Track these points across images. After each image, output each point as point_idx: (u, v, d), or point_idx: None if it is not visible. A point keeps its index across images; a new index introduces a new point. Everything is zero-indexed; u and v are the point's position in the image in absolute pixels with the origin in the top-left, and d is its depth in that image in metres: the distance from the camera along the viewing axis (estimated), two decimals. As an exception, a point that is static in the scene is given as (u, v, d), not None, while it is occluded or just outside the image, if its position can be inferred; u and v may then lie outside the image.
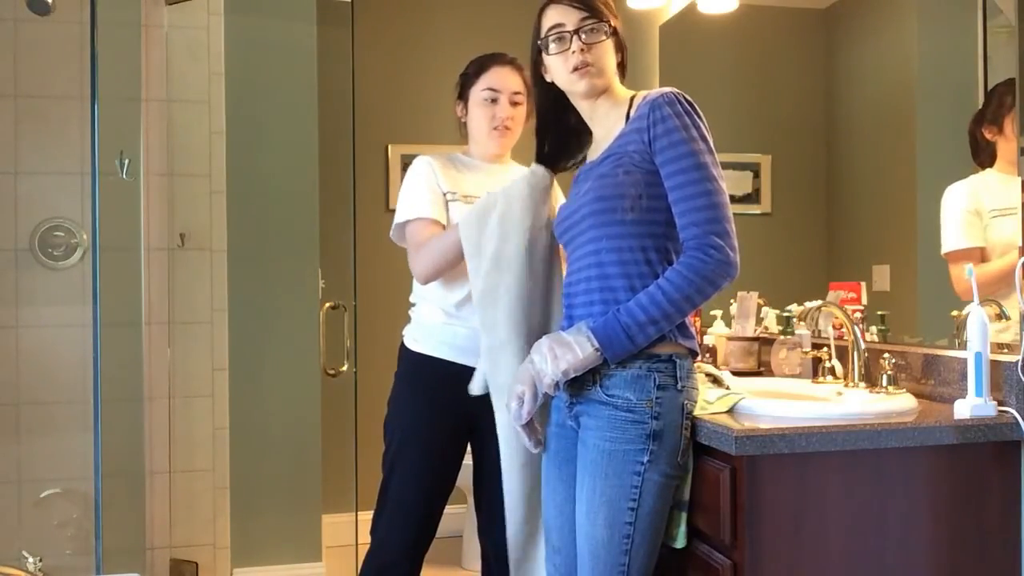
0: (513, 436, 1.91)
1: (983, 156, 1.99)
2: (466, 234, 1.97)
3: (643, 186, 1.64)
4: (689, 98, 1.67)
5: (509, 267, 1.92)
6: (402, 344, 2.23)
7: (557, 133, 1.90)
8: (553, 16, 1.73)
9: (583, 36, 1.70)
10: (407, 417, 2.17)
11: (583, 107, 1.80)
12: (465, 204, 2.13)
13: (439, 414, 2.13)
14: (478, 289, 1.94)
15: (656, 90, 1.69)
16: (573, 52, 1.70)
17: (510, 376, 1.84)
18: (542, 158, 1.94)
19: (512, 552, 2.01)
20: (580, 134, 1.88)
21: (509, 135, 2.19)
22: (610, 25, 1.72)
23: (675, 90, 1.68)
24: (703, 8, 2.99)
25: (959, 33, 2.14)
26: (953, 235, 2.04)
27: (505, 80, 2.15)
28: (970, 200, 2.01)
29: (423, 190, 2.13)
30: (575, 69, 1.71)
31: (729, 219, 1.62)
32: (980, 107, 2.01)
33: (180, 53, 3.18)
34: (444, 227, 2.12)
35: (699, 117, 1.66)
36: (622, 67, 1.80)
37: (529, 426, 1.76)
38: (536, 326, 1.92)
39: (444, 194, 2.14)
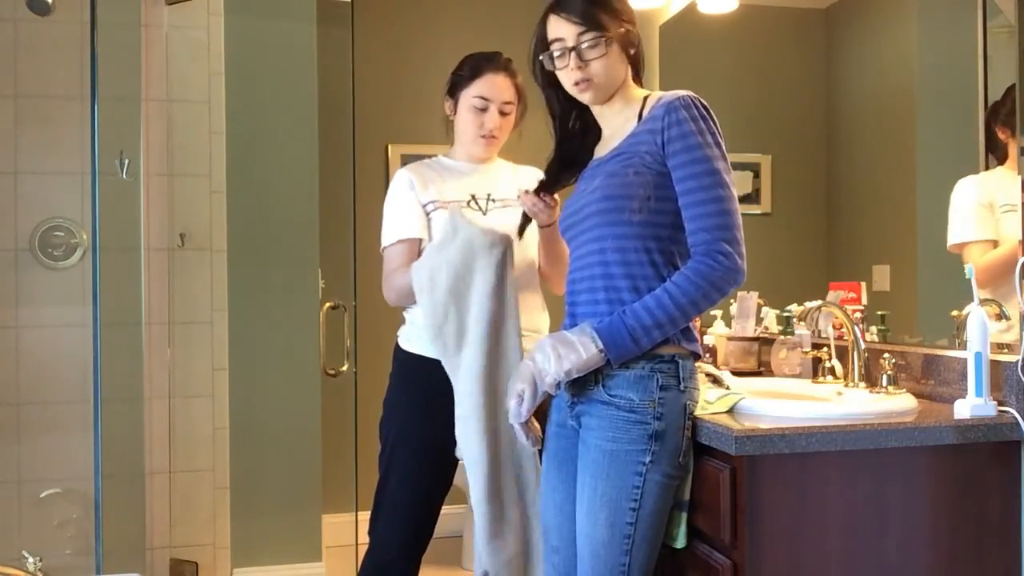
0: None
1: (999, 152, 1.98)
2: (423, 303, 2.03)
3: (652, 188, 1.64)
4: (705, 102, 1.66)
5: (471, 340, 1.98)
6: (396, 344, 2.24)
7: (578, 129, 1.86)
8: (553, 28, 1.71)
9: (582, 53, 1.68)
10: (401, 417, 2.17)
11: (593, 108, 1.79)
12: (446, 211, 2.14)
13: (433, 413, 2.13)
14: (448, 362, 2.03)
15: (672, 92, 1.68)
16: (572, 69, 1.69)
17: (474, 447, 1.97)
18: (561, 159, 1.89)
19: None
20: (590, 132, 1.86)
21: (495, 143, 2.20)
22: (610, 37, 1.68)
23: (691, 93, 1.67)
24: (703, 8, 2.99)
25: (959, 33, 2.14)
26: (964, 226, 2.03)
27: (497, 89, 2.15)
28: (982, 193, 2.01)
29: (399, 210, 2.17)
30: (575, 84, 1.71)
31: (739, 226, 1.62)
32: (991, 104, 1.99)
33: (180, 53, 3.18)
34: (421, 242, 2.15)
35: (714, 122, 1.66)
36: (636, 65, 1.77)
37: (527, 424, 1.76)
38: (498, 392, 1.98)
39: (424, 206, 2.15)
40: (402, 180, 2.19)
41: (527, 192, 1.95)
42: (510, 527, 2.00)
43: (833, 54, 2.69)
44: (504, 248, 1.98)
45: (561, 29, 1.69)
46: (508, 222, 2.06)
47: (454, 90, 2.21)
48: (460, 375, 2.01)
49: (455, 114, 2.22)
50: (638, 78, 1.80)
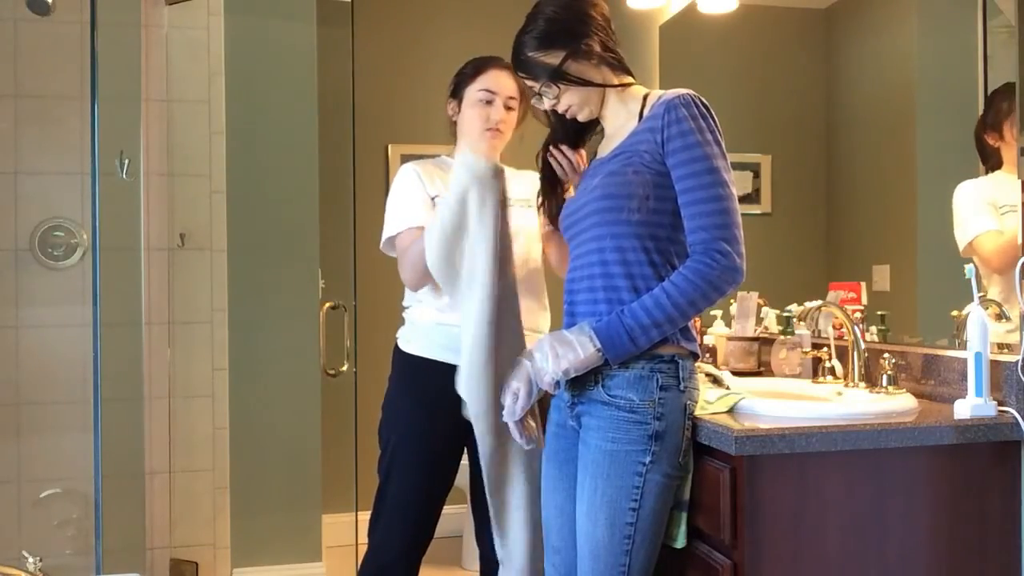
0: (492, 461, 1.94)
1: (992, 161, 1.99)
2: (431, 255, 1.93)
3: (651, 187, 1.64)
4: (705, 101, 1.66)
5: (480, 285, 1.86)
6: (396, 346, 2.23)
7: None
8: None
9: (546, 96, 1.74)
10: (402, 419, 2.17)
11: None
12: None
13: (434, 415, 2.12)
14: (462, 308, 1.92)
15: (672, 91, 1.68)
16: (551, 106, 1.76)
17: (483, 402, 1.87)
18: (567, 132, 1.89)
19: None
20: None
21: (500, 138, 2.19)
22: (558, 74, 1.69)
23: (691, 92, 1.67)
24: (703, 8, 2.99)
25: (959, 33, 2.14)
26: (972, 222, 2.02)
27: (502, 83, 2.15)
28: (983, 193, 2.01)
29: (409, 198, 2.14)
30: (564, 113, 1.77)
31: (738, 225, 1.62)
32: (981, 111, 2.01)
33: (180, 53, 3.18)
34: None
35: (714, 121, 1.65)
36: (610, 64, 1.74)
37: (522, 423, 1.76)
38: (509, 345, 1.89)
39: (432, 198, 2.14)
40: (408, 172, 2.18)
41: (556, 148, 1.89)
42: (517, 488, 1.97)
43: (833, 54, 2.69)
44: (499, 177, 1.88)
45: (525, 81, 1.79)
46: (519, 222, 2.05)
47: (457, 90, 2.20)
48: (469, 310, 1.88)
49: (459, 113, 2.21)
50: (625, 72, 1.78)
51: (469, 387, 1.89)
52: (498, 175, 1.87)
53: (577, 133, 1.89)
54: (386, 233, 2.17)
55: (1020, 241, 1.80)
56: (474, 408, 1.90)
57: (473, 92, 2.16)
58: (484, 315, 1.85)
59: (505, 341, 1.87)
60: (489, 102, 2.15)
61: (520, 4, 1.82)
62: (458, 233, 1.88)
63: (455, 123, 2.24)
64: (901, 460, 1.66)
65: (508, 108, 2.16)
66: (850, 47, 2.65)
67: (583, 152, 1.92)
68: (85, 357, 2.85)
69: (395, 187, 2.19)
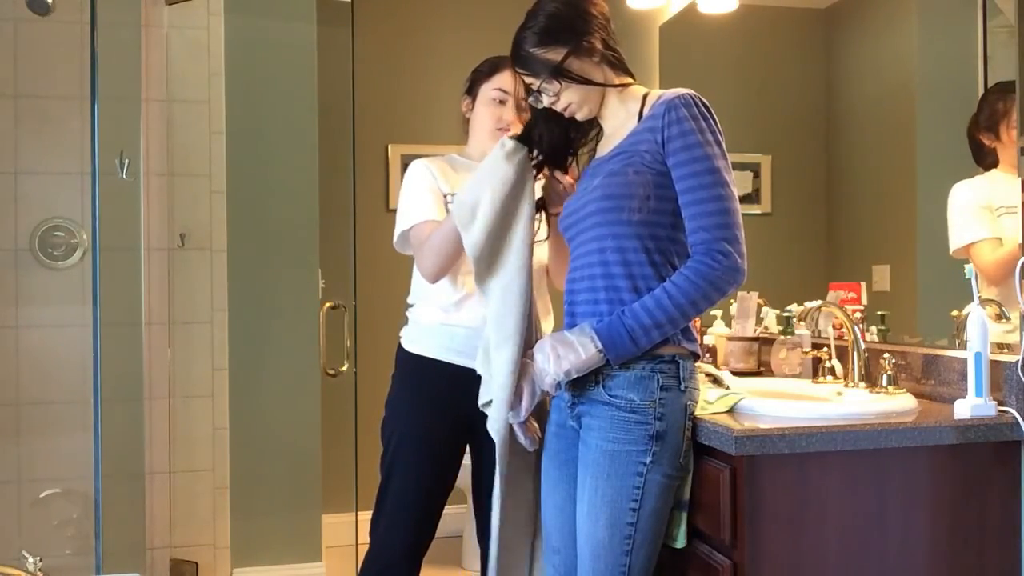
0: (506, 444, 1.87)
1: (988, 160, 1.99)
2: (463, 230, 1.87)
3: (652, 187, 1.63)
4: (705, 101, 1.66)
5: (513, 261, 1.82)
6: (399, 346, 2.22)
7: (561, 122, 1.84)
8: (520, 77, 1.79)
9: (545, 93, 1.72)
10: (405, 419, 2.16)
11: None
12: None
13: (437, 415, 2.12)
14: (493, 288, 1.85)
15: (672, 91, 1.67)
16: (550, 104, 1.74)
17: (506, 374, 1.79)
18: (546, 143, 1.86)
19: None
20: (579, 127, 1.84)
21: None
22: (558, 71, 1.68)
23: (692, 92, 1.66)
24: (703, 8, 2.99)
25: (959, 33, 2.14)
26: (969, 227, 2.02)
27: (517, 84, 2.14)
28: (980, 195, 2.01)
29: (423, 192, 2.12)
30: (562, 112, 1.75)
31: (739, 225, 1.62)
32: (975, 112, 2.01)
33: (180, 53, 3.18)
34: None
35: (714, 121, 1.65)
36: (611, 63, 1.73)
37: (526, 424, 1.76)
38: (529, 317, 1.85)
39: (445, 196, 2.13)
40: (422, 168, 2.16)
41: (552, 175, 1.88)
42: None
43: (833, 54, 2.69)
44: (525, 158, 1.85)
45: (523, 78, 1.77)
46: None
47: (472, 87, 2.20)
48: (507, 300, 1.81)
49: (471, 111, 2.21)
50: (625, 72, 1.77)
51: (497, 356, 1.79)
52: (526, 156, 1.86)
53: (562, 141, 1.84)
54: (400, 227, 2.13)
55: (1021, 240, 1.80)
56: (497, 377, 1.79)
57: (487, 91, 2.15)
58: (520, 287, 1.81)
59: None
60: (502, 102, 2.14)
61: (521, 4, 1.81)
62: (507, 213, 1.83)
63: (468, 120, 2.23)
64: (901, 460, 1.66)
65: (521, 109, 2.16)
66: (850, 47, 2.65)
67: (575, 173, 1.90)
68: (85, 357, 2.84)
69: (408, 182, 2.16)
